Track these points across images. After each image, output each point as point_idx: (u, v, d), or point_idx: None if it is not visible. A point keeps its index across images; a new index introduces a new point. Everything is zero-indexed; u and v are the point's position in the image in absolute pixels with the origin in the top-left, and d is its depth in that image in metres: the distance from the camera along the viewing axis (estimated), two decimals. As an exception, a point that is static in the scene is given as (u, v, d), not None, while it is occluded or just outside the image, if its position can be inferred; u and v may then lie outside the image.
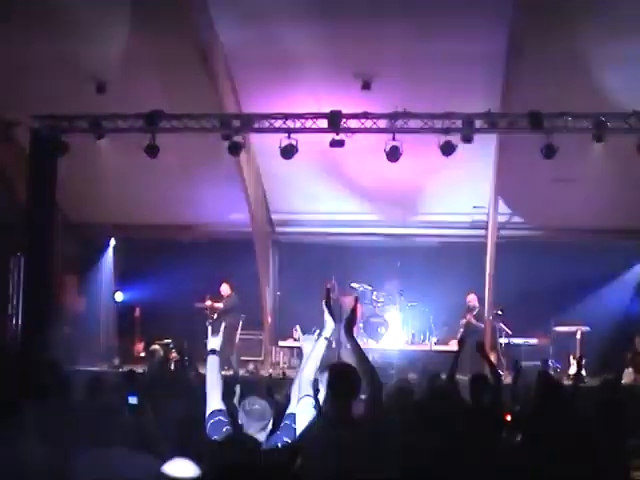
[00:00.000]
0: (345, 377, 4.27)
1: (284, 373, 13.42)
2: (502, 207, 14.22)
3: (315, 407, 4.32)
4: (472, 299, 13.86)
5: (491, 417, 5.64)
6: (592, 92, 11.72)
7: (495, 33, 11.56)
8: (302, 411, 4.29)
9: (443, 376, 7.12)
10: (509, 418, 5.85)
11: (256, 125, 12.21)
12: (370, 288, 14.82)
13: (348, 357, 13.39)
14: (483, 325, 13.82)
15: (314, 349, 4.52)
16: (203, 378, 4.60)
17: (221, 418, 4.28)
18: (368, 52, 11.98)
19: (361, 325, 14.33)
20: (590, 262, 14.08)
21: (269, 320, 15.33)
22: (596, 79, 11.77)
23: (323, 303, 4.64)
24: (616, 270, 14.09)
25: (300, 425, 4.25)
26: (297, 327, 5.34)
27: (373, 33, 11.64)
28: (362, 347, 4.52)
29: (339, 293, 13.81)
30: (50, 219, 12.52)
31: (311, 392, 4.33)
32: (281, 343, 15.03)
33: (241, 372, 13.82)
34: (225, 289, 14.41)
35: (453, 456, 4.30)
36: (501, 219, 14.34)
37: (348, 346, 12.91)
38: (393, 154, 11.59)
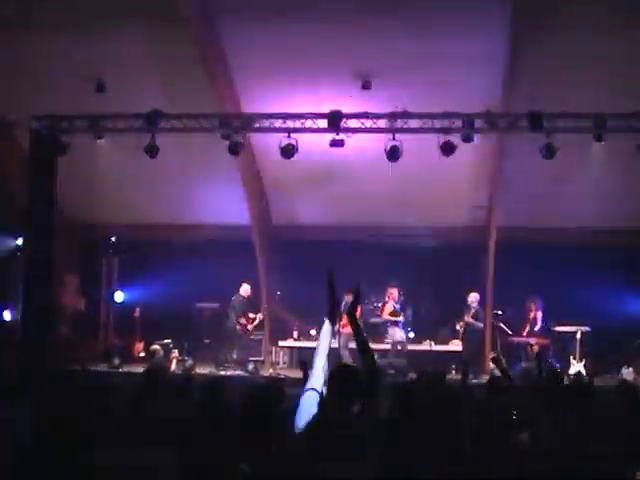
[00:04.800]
0: (347, 378, 4.27)
1: (278, 374, 13.46)
2: (502, 207, 14.22)
3: (318, 404, 4.29)
4: (473, 298, 13.85)
5: (504, 417, 5.67)
6: (592, 92, 11.72)
7: (495, 33, 11.58)
8: (305, 405, 4.27)
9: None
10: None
11: (256, 125, 12.21)
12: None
13: (348, 358, 13.41)
14: (482, 325, 13.81)
15: (322, 336, 4.47)
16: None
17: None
18: (368, 52, 11.98)
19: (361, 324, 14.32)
20: (590, 262, 14.07)
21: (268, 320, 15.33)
22: (596, 79, 11.77)
23: (327, 286, 4.58)
24: (616, 270, 14.07)
25: (301, 419, 4.22)
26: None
27: (373, 33, 11.64)
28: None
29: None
30: (50, 219, 12.51)
31: (318, 387, 4.30)
32: (281, 343, 15.03)
33: (241, 372, 13.81)
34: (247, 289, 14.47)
35: (460, 456, 4.31)
36: (501, 219, 14.35)
37: (350, 345, 12.85)
38: (393, 154, 11.59)
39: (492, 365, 13.27)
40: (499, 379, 6.49)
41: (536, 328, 13.85)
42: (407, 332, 14.97)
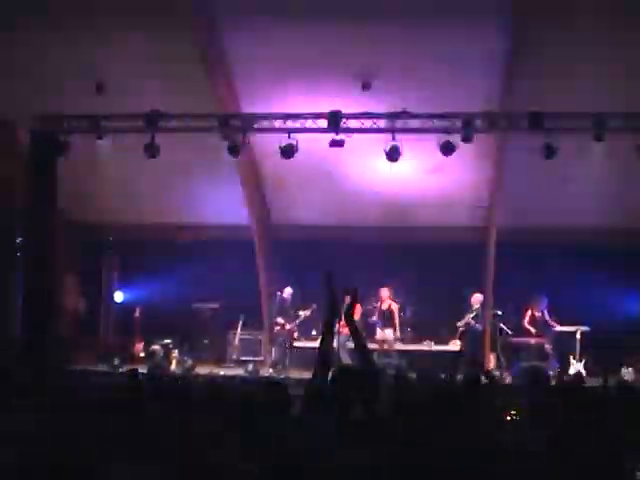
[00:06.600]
0: (347, 378, 4.28)
1: (278, 374, 13.44)
2: (502, 207, 14.22)
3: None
4: (476, 300, 13.82)
5: (488, 417, 5.65)
6: (592, 92, 11.73)
7: (495, 33, 11.58)
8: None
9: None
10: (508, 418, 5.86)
11: (256, 125, 12.21)
12: None
13: (347, 358, 13.37)
14: (481, 327, 13.78)
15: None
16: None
17: None
18: (368, 52, 11.99)
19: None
20: (590, 262, 14.06)
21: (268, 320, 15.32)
22: (596, 79, 11.77)
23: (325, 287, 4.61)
24: (616, 270, 14.07)
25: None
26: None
27: (373, 33, 11.65)
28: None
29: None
30: (50, 219, 12.52)
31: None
32: (281, 343, 15.02)
33: (240, 372, 13.80)
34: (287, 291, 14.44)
35: (454, 457, 4.30)
36: (501, 219, 14.34)
37: (349, 345, 12.81)
38: (393, 154, 11.60)
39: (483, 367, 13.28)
40: (476, 376, 6.41)
41: (549, 329, 13.68)
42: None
